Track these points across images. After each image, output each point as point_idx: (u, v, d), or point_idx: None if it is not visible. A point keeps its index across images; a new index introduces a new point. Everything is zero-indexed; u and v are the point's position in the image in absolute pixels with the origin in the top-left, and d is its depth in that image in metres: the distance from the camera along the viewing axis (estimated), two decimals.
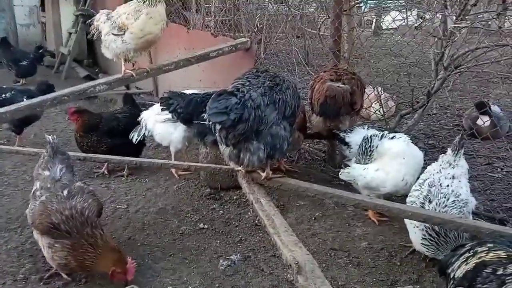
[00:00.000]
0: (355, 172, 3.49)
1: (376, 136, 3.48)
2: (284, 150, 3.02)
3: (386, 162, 3.37)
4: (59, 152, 3.10)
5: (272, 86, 3.05)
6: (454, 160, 3.03)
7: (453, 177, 2.97)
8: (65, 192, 2.77)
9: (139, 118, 4.53)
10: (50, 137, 3.21)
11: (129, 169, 4.54)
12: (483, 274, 1.97)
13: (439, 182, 2.96)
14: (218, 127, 2.82)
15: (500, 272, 1.93)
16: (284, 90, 3.06)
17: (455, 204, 2.86)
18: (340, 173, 3.62)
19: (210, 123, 2.85)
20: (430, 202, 2.90)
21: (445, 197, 2.88)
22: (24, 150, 4.01)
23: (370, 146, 3.44)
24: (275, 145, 2.92)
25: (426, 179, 3.06)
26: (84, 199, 2.76)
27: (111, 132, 4.47)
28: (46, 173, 2.93)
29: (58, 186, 2.83)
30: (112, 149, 4.37)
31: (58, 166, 2.97)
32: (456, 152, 3.03)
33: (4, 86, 5.66)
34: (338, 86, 3.70)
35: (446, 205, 2.86)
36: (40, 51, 8.89)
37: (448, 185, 2.93)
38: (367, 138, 3.48)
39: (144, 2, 4.08)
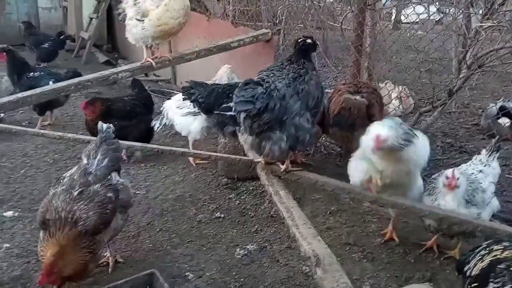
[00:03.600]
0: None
1: None
2: (306, 142, 3.05)
3: None
4: (107, 142, 2.87)
5: (296, 77, 3.08)
6: (487, 160, 3.05)
7: (481, 171, 3.00)
8: (76, 192, 2.55)
9: (161, 108, 4.59)
10: (105, 125, 2.98)
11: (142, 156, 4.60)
12: (497, 270, 2.01)
13: (465, 170, 3.01)
14: (243, 115, 2.86)
15: None
16: (307, 81, 3.09)
17: (475, 186, 2.85)
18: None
19: (236, 111, 2.89)
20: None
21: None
22: (49, 133, 4.10)
23: None
24: (297, 136, 2.95)
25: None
26: (88, 208, 2.50)
27: (117, 114, 4.45)
28: (84, 161, 2.80)
29: (79, 182, 2.62)
30: (121, 131, 4.33)
31: (98, 158, 2.77)
32: (490, 152, 3.05)
33: (36, 66, 5.77)
34: (355, 99, 3.68)
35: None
36: (62, 37, 8.97)
37: (473, 173, 2.96)
38: None
39: None
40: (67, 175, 2.73)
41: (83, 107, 4.53)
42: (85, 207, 2.50)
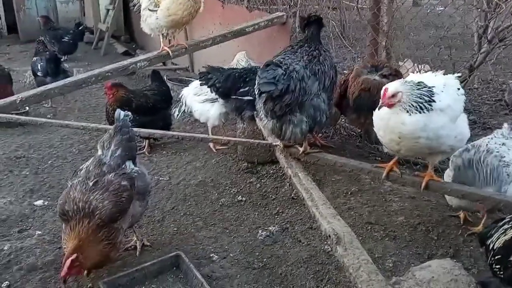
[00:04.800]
0: None
1: None
2: (323, 123, 3.07)
3: None
4: (121, 132, 2.86)
5: (311, 58, 3.10)
6: (508, 133, 3.00)
7: (503, 144, 2.93)
8: (91, 183, 2.60)
9: (180, 95, 4.64)
10: (123, 113, 2.94)
11: (150, 147, 4.66)
12: None
13: (486, 143, 2.92)
14: (263, 99, 2.89)
15: None
16: (322, 61, 3.10)
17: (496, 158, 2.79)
18: None
19: (259, 92, 2.92)
20: (468, 151, 2.89)
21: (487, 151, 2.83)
22: (73, 124, 4.23)
23: None
24: (315, 117, 2.98)
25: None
26: (103, 198, 2.54)
27: (140, 110, 4.42)
28: (99, 152, 2.85)
29: (94, 173, 2.68)
30: (141, 126, 4.26)
31: (111, 148, 2.79)
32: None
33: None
34: (374, 79, 3.58)
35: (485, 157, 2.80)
36: (80, 28, 9.12)
37: (495, 147, 2.88)
38: None
39: None
40: (84, 166, 2.78)
41: (107, 86, 4.50)
42: (101, 196, 2.54)
